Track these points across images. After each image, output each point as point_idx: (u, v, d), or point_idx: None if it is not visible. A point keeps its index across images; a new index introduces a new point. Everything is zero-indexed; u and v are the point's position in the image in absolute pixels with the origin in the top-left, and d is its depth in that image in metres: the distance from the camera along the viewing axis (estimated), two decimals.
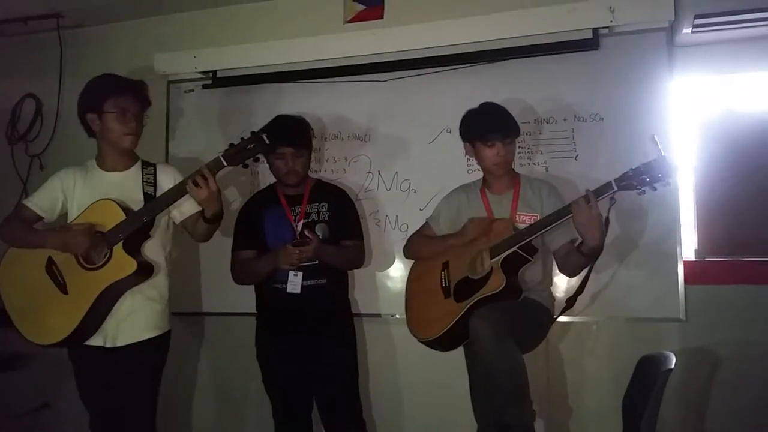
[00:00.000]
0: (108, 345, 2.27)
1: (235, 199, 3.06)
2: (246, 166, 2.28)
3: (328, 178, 2.98)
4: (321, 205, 2.64)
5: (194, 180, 2.20)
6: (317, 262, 2.51)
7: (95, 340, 2.27)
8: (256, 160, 2.28)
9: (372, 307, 2.94)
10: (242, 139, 2.25)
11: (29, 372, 2.96)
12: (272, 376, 2.63)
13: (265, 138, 2.23)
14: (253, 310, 2.71)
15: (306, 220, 2.60)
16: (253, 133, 2.25)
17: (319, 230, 2.49)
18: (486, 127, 2.35)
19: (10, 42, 3.46)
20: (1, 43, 3.47)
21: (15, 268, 2.34)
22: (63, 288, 2.26)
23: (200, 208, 2.33)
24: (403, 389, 2.94)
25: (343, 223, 2.67)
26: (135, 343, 2.28)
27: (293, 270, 2.51)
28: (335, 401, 2.60)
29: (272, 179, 2.72)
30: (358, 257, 2.73)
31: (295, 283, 2.52)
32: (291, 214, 2.62)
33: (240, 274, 2.67)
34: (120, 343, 2.27)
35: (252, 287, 2.69)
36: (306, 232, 2.45)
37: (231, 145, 2.25)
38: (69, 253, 2.24)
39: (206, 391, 3.17)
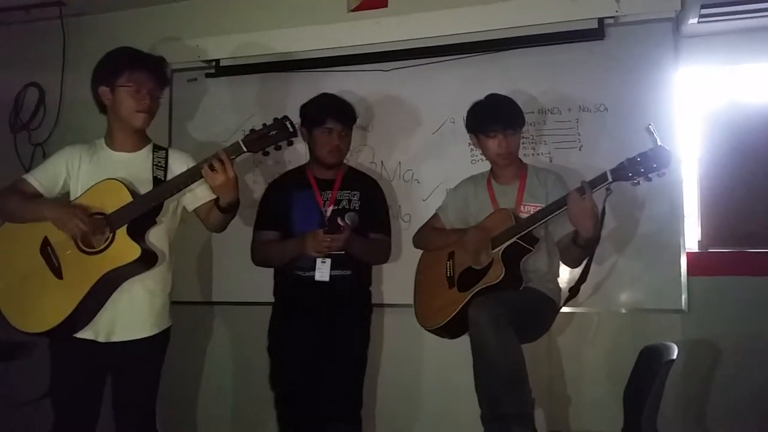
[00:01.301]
0: (101, 339, 2.13)
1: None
2: (267, 153, 2.16)
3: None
4: (353, 193, 2.58)
5: (210, 164, 2.06)
6: (344, 252, 2.44)
7: (85, 333, 2.12)
8: (278, 147, 2.17)
9: (375, 297, 2.91)
10: (264, 124, 2.15)
11: (30, 361, 2.96)
12: (285, 364, 2.55)
13: (288, 125, 2.13)
14: (264, 299, 2.69)
15: (336, 207, 2.53)
16: (276, 118, 2.16)
17: (348, 219, 2.39)
18: (487, 119, 2.35)
19: (12, 30, 3.45)
20: (3, 32, 3.45)
21: (6, 246, 2.18)
22: (57, 272, 2.10)
23: (215, 196, 2.20)
24: (410, 379, 2.93)
25: (374, 215, 2.60)
26: (133, 341, 2.16)
27: (321, 258, 2.44)
28: (339, 394, 2.52)
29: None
30: (385, 253, 2.67)
31: (323, 270, 2.45)
32: (321, 198, 2.55)
33: (261, 256, 2.60)
34: (115, 338, 2.14)
35: (270, 275, 2.65)
36: (339, 221, 2.34)
37: (252, 130, 2.14)
38: (66, 233, 2.09)
39: (214, 382, 3.16)
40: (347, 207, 2.55)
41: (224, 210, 2.18)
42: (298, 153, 2.84)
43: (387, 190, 2.91)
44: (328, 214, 2.50)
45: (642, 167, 2.04)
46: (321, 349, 2.50)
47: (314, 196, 2.55)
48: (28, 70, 3.43)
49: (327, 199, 2.55)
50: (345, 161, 2.70)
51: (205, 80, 3.18)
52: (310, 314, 2.50)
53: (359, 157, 2.97)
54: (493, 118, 2.34)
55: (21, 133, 3.41)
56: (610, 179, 2.09)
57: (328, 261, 2.45)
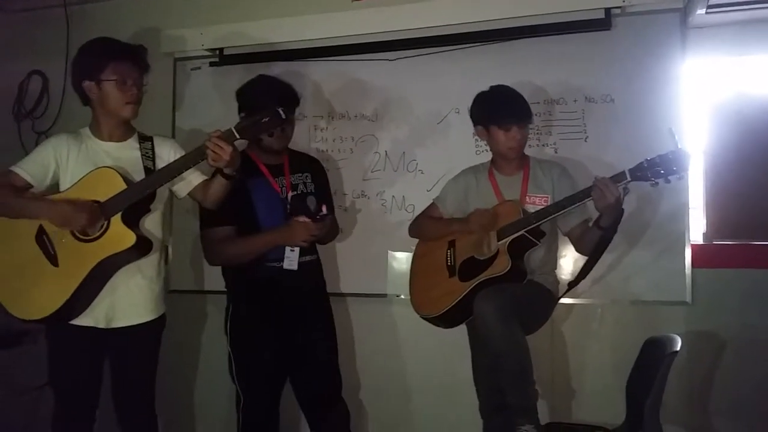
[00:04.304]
0: (101, 326, 2.17)
1: None
2: (260, 140, 2.15)
3: (335, 158, 2.98)
4: (304, 175, 2.54)
5: (212, 149, 2.06)
6: None
7: (84, 320, 2.15)
8: (270, 134, 2.16)
9: (377, 288, 2.93)
10: (257, 111, 2.13)
11: (35, 349, 2.97)
12: (253, 361, 2.45)
13: (281, 112, 2.10)
14: None
15: (294, 192, 2.47)
16: (267, 106, 2.13)
17: (311, 203, 2.36)
18: (502, 111, 2.32)
19: (16, 18, 3.44)
20: (7, 19, 3.44)
21: (2, 234, 2.19)
22: (53, 259, 2.13)
23: (206, 177, 2.27)
24: (406, 369, 2.94)
25: (324, 196, 2.58)
26: (133, 326, 2.21)
27: (290, 246, 2.39)
28: (323, 378, 2.52)
29: None
30: (337, 231, 2.71)
31: (292, 259, 2.40)
32: (277, 185, 2.47)
33: (225, 254, 2.45)
34: (116, 324, 2.19)
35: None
36: (323, 208, 2.30)
37: (243, 117, 2.13)
38: (67, 229, 2.11)
39: (209, 371, 3.18)
40: (304, 190, 2.51)
41: (230, 177, 2.19)
42: None
43: (391, 179, 2.93)
44: (289, 200, 2.44)
45: (662, 169, 2.03)
46: (293, 338, 2.46)
47: (270, 183, 2.47)
48: (31, 58, 3.42)
49: (282, 185, 2.48)
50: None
51: (208, 69, 3.16)
52: (284, 303, 2.45)
53: (363, 147, 2.96)
54: (509, 110, 2.31)
55: (25, 121, 3.41)
56: (628, 178, 2.08)
57: (297, 249, 2.40)
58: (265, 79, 2.55)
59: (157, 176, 2.17)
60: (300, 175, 2.54)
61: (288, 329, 2.46)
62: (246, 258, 2.43)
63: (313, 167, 2.62)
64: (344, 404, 2.57)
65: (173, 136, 3.12)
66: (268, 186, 2.46)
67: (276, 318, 2.45)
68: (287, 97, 2.44)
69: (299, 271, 2.42)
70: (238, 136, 2.11)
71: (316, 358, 2.50)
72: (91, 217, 2.10)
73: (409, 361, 2.94)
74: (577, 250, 2.39)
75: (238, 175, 2.21)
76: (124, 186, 2.12)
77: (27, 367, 3.01)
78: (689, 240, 2.57)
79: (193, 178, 2.30)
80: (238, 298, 2.52)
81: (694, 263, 2.56)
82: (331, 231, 2.58)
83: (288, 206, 2.41)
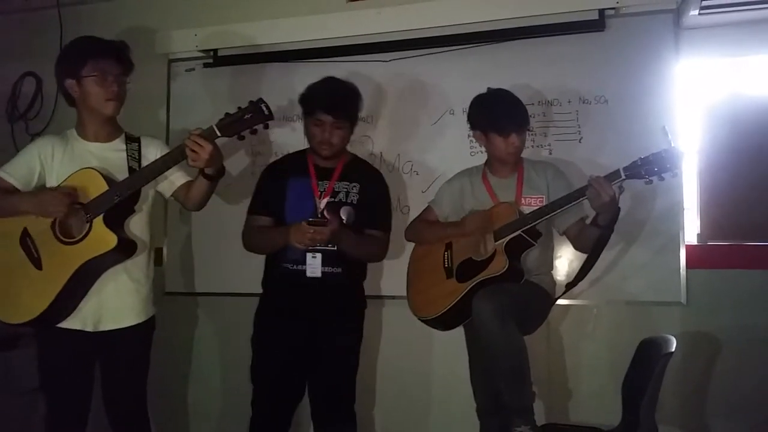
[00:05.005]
0: (89, 329, 2.14)
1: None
2: (242, 137, 2.09)
3: None
4: (352, 185, 2.44)
5: (191, 147, 2.02)
6: (335, 248, 2.32)
7: (72, 323, 2.13)
8: (254, 131, 2.09)
9: (370, 289, 2.91)
10: (239, 108, 2.08)
11: (30, 351, 2.96)
12: (266, 360, 2.45)
13: (264, 108, 2.06)
14: (246, 290, 2.68)
15: (331, 199, 2.39)
16: (251, 102, 2.10)
17: (344, 213, 2.26)
18: (502, 118, 2.31)
19: (10, 19, 3.42)
20: (0, 21, 3.43)
21: None
22: (37, 263, 2.11)
23: (190, 178, 2.24)
24: (397, 370, 2.93)
25: (372, 209, 2.46)
26: (121, 329, 2.18)
27: (311, 252, 2.32)
28: (331, 394, 2.45)
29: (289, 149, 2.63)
30: (380, 251, 2.52)
31: (314, 266, 2.32)
32: (317, 188, 2.42)
33: (251, 241, 2.49)
34: (103, 327, 2.16)
35: (249, 266, 2.59)
36: (326, 213, 2.21)
37: (227, 114, 2.09)
38: (46, 219, 2.09)
39: (202, 373, 3.17)
40: (344, 200, 2.42)
41: (211, 177, 2.15)
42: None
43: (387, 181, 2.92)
44: (323, 205, 2.37)
45: (656, 166, 2.05)
46: (306, 347, 2.41)
47: (311, 184, 2.43)
48: (25, 59, 3.40)
49: (323, 190, 2.42)
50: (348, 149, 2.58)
51: (203, 70, 3.15)
52: (296, 310, 2.39)
53: (358, 148, 2.93)
54: (508, 117, 2.30)
55: (18, 123, 3.39)
56: (623, 176, 2.09)
57: (319, 256, 2.33)
58: (323, 82, 2.46)
59: (138, 176, 2.14)
60: (347, 183, 2.45)
61: (302, 336, 2.41)
62: (262, 249, 2.50)
63: (366, 179, 2.50)
64: (350, 424, 2.48)
65: (167, 138, 3.12)
66: (308, 186, 2.43)
67: (290, 321, 2.41)
68: (335, 104, 2.36)
69: (318, 280, 2.36)
70: (219, 134, 2.07)
71: (323, 374, 2.43)
72: (71, 202, 2.08)
73: (407, 360, 2.92)
74: (576, 248, 2.39)
75: (222, 175, 2.18)
76: (106, 187, 2.09)
77: (23, 369, 3.00)
78: (684, 241, 2.58)
79: (175, 179, 2.28)
80: (263, 293, 2.55)
81: (689, 264, 2.57)
82: (370, 249, 2.49)
83: (319, 211, 2.35)
